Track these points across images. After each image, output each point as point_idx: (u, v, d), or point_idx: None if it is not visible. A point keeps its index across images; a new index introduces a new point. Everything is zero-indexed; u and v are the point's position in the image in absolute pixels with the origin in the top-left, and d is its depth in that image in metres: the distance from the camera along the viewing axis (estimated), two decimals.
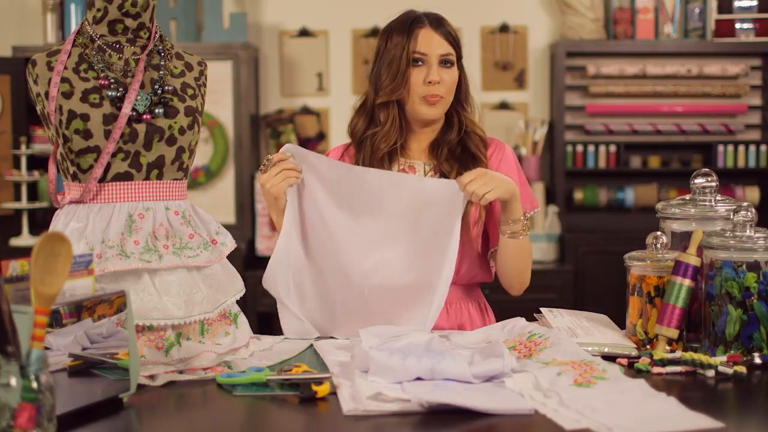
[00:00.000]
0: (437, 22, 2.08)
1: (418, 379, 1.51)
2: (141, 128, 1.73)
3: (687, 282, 1.73)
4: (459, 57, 2.10)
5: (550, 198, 4.71)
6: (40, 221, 4.54)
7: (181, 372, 1.65)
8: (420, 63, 2.05)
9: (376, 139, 2.08)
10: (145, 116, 1.74)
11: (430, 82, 2.03)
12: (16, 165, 4.43)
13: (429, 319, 1.91)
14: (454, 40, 2.08)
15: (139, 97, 1.73)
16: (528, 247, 2.05)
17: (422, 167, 2.12)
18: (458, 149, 2.11)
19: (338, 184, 1.97)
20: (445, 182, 1.95)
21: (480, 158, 2.09)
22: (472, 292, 2.15)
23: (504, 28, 4.80)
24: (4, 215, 4.48)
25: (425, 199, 1.93)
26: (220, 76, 4.40)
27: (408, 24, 2.07)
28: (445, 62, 2.06)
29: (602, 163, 4.64)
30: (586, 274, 4.49)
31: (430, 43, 2.05)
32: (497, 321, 1.95)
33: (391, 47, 2.06)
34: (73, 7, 4.48)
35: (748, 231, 1.70)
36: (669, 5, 4.62)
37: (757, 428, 1.39)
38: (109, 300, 1.45)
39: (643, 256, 1.81)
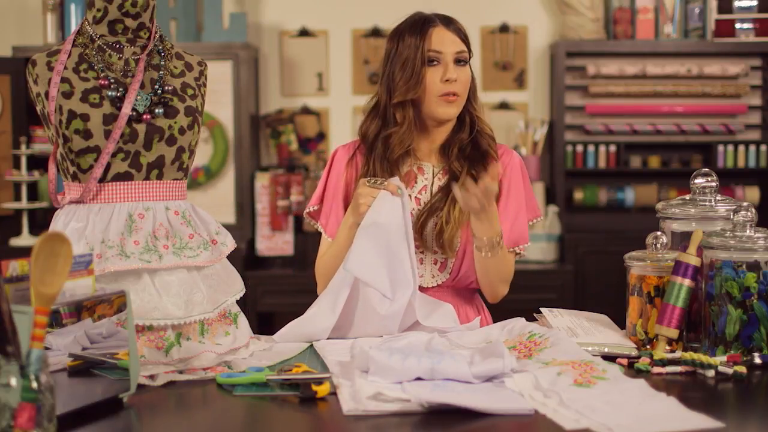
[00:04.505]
0: (448, 21, 2.08)
1: (418, 379, 1.51)
2: (141, 128, 1.73)
3: (687, 282, 1.73)
4: (470, 56, 2.10)
5: (550, 198, 4.71)
6: (40, 221, 4.53)
7: (181, 372, 1.65)
8: (435, 62, 2.04)
9: (392, 140, 2.05)
10: (145, 116, 1.74)
11: (447, 80, 2.02)
12: (16, 165, 4.42)
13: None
14: (465, 38, 2.08)
15: (139, 97, 1.73)
16: (499, 266, 2.03)
17: (431, 169, 2.11)
18: (468, 147, 2.09)
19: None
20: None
21: (492, 155, 2.08)
22: (471, 297, 2.16)
23: (504, 28, 4.80)
24: (4, 215, 4.48)
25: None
26: (220, 76, 4.40)
27: (420, 24, 2.06)
28: (459, 60, 2.05)
29: (602, 163, 4.64)
30: (586, 274, 4.48)
31: (444, 41, 2.04)
32: (497, 321, 1.95)
33: (404, 49, 2.04)
34: (73, 7, 4.47)
35: (748, 231, 1.70)
36: (669, 5, 4.62)
37: (757, 428, 1.39)
38: (109, 300, 1.45)
39: (643, 256, 1.81)
